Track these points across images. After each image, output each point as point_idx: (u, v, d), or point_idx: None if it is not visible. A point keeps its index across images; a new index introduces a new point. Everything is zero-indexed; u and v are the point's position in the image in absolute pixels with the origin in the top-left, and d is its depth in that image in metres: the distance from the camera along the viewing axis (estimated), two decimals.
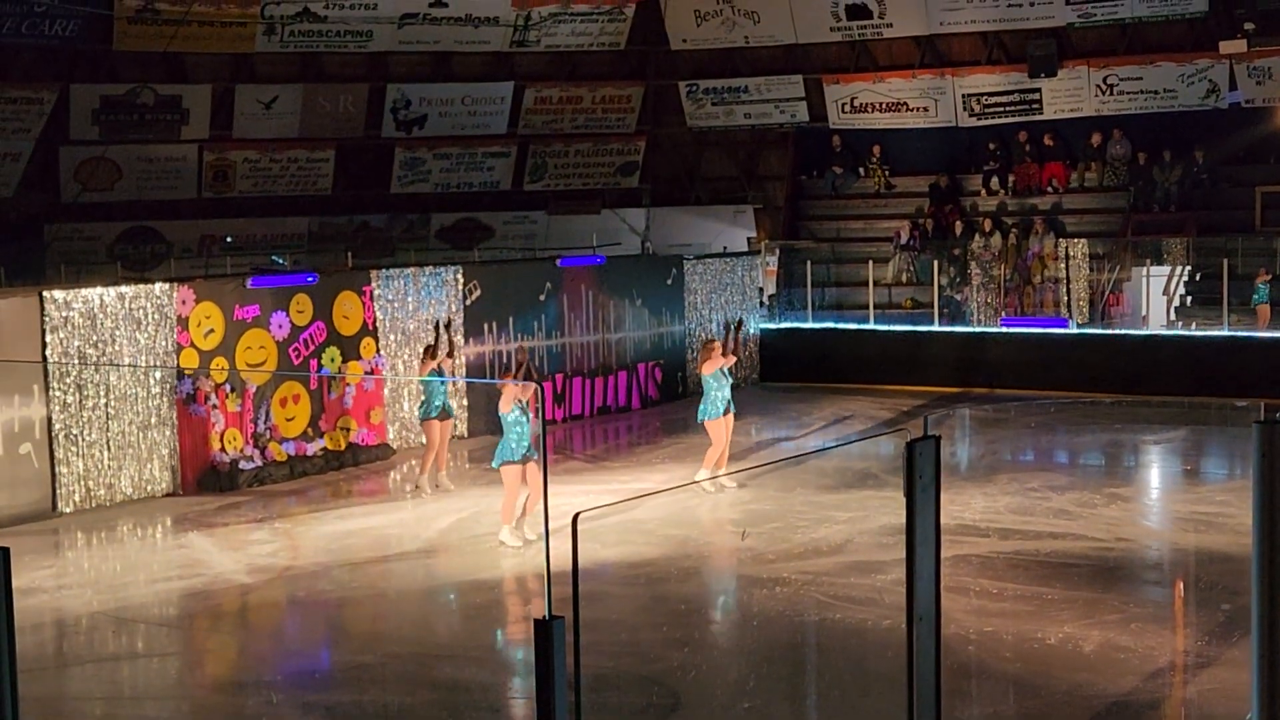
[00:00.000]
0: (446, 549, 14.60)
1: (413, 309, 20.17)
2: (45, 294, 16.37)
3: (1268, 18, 25.19)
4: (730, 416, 16.99)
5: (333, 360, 19.12)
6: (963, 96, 28.05)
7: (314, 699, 10.37)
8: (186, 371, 17.40)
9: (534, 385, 14.74)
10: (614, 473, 18.24)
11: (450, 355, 17.84)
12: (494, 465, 14.42)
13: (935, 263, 26.07)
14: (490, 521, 15.35)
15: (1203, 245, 25.54)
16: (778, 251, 28.17)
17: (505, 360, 21.20)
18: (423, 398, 17.56)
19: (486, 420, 20.43)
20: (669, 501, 16.06)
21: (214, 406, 17.56)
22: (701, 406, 17.06)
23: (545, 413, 20.60)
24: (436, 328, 18.31)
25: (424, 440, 17.75)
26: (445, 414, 17.20)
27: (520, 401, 14.17)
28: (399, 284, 20.07)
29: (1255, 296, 23.74)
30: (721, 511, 16.03)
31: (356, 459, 19.04)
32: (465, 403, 20.62)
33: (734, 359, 17.49)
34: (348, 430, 19.11)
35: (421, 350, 18.24)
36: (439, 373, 17.18)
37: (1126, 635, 11.11)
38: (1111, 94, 27.03)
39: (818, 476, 17.56)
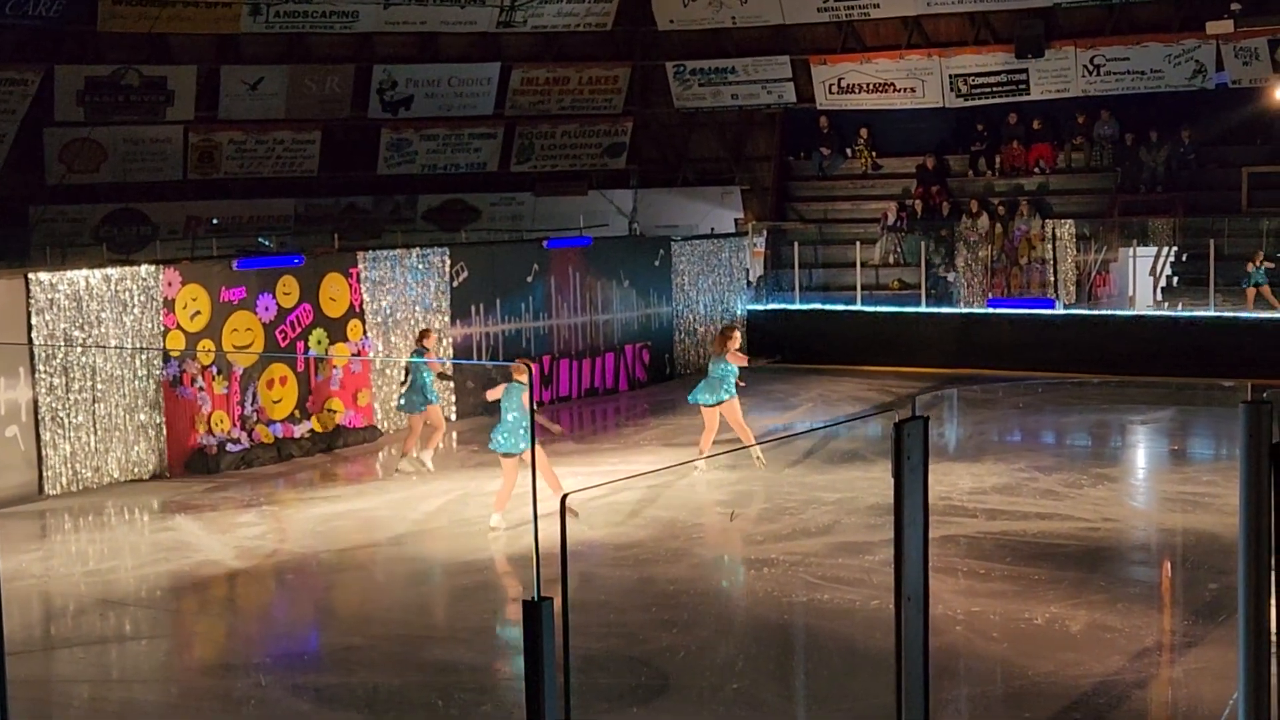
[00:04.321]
0: (434, 531, 14.60)
1: (399, 291, 20.14)
2: (31, 276, 16.32)
3: None
4: (722, 406, 16.62)
5: (320, 342, 19.09)
6: (950, 77, 28.04)
7: (303, 681, 10.37)
8: (173, 354, 17.36)
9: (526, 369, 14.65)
10: (602, 454, 18.23)
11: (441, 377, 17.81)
12: (497, 449, 14.20)
13: (923, 244, 26.09)
14: (478, 504, 15.36)
15: (1189, 226, 25.59)
16: (765, 233, 28.18)
17: (492, 343, 21.21)
18: (407, 392, 17.18)
19: (474, 403, 20.47)
20: (657, 483, 16.07)
21: (200, 389, 17.53)
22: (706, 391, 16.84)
23: (533, 395, 20.57)
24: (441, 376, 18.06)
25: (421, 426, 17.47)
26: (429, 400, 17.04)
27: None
28: (386, 266, 20.03)
29: (1252, 279, 23.62)
30: (709, 493, 16.04)
31: (344, 441, 19.03)
32: (452, 384, 20.59)
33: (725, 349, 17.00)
34: (335, 412, 19.09)
35: (418, 337, 17.91)
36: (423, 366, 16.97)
37: (1113, 615, 11.14)
38: (1098, 74, 27.03)
39: (805, 457, 17.58)
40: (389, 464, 17.95)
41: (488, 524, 14.29)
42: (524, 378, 14.17)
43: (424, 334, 17.58)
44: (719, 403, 16.60)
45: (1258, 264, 23.63)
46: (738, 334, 17.22)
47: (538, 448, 14.26)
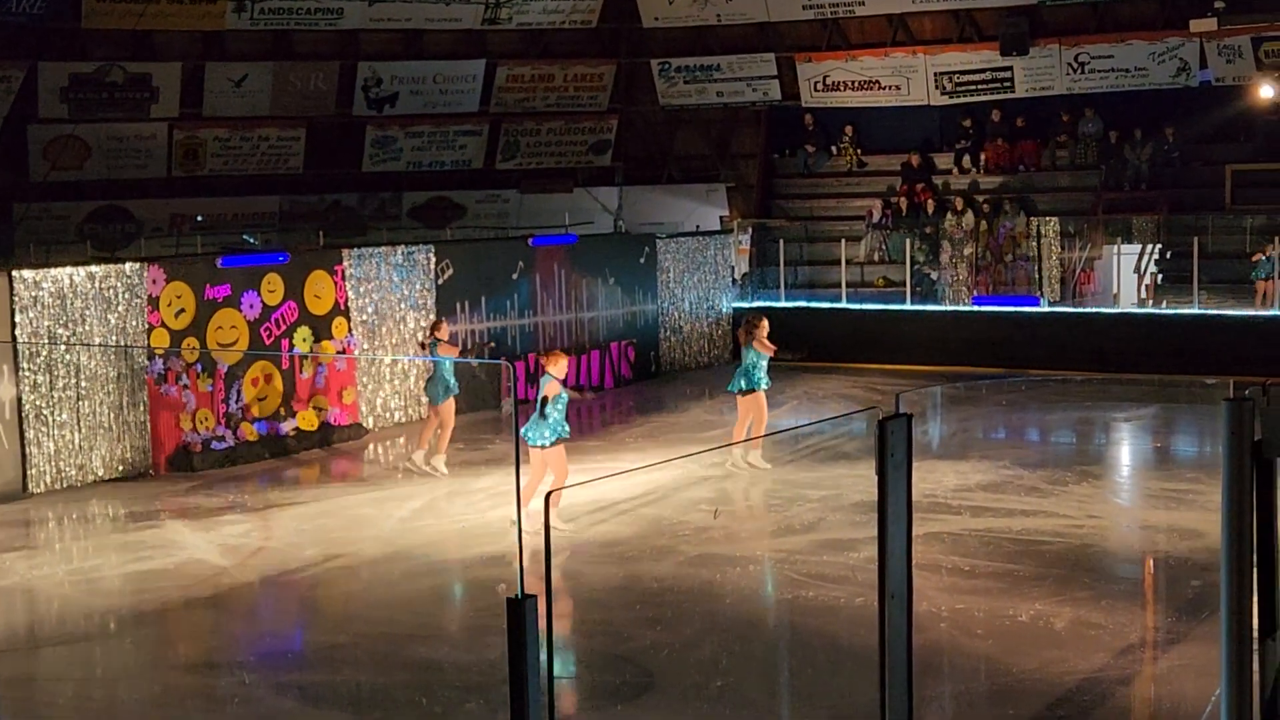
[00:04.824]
0: (420, 529, 14.58)
1: (385, 288, 20.12)
2: (15, 274, 16.27)
3: None
4: (747, 396, 16.69)
5: (305, 340, 19.06)
6: (934, 75, 28.06)
7: (287, 679, 10.36)
8: (157, 351, 17.32)
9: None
10: (587, 452, 18.22)
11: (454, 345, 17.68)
12: (536, 444, 13.94)
13: (907, 241, 26.12)
14: (463, 502, 15.35)
15: (1173, 223, 25.67)
16: (750, 230, 28.18)
17: (480, 339, 21.20)
18: (440, 379, 16.93)
19: (467, 400, 20.44)
20: (642, 480, 16.06)
21: (185, 386, 17.50)
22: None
23: (517, 393, 20.57)
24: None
25: (428, 417, 17.31)
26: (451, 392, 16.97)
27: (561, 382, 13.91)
28: (371, 263, 20.00)
29: (1261, 270, 23.67)
30: (694, 490, 16.04)
31: (329, 439, 19.00)
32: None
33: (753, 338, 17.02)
34: (320, 410, 19.06)
35: (430, 328, 17.75)
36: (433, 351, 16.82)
37: (1097, 612, 11.17)
38: (1083, 72, 27.08)
39: (790, 455, 17.60)
40: (377, 461, 17.93)
41: (505, 519, 14.26)
42: (554, 368, 13.92)
43: (436, 324, 17.33)
44: (748, 392, 16.64)
45: (1266, 254, 23.65)
46: (765, 322, 17.00)
47: (559, 446, 14.00)
